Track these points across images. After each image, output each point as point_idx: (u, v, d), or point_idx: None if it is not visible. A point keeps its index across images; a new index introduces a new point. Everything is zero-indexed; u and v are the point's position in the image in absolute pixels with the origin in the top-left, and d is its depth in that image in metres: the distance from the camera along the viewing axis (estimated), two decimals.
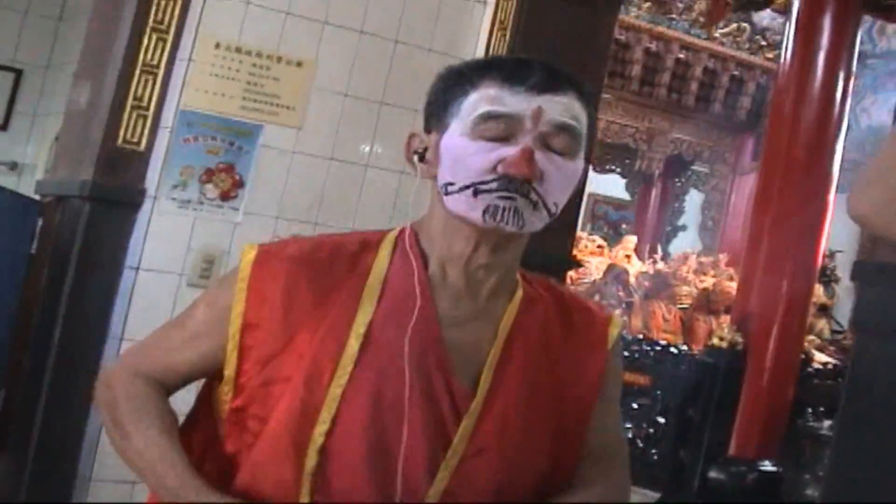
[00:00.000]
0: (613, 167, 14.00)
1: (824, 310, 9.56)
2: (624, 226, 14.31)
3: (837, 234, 8.28)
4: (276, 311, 1.66)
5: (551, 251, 4.10)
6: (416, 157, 1.74)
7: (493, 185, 1.62)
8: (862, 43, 8.23)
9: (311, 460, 1.60)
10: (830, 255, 9.97)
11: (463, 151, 1.64)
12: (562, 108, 1.66)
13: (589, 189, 13.93)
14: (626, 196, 14.75)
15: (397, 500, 1.62)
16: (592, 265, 11.08)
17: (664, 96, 12.52)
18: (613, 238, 12.95)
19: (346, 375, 1.61)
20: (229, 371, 1.69)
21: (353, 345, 1.63)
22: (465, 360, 1.68)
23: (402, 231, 1.76)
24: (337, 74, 4.26)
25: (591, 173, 13.32)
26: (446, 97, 1.71)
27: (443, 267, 1.70)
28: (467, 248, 1.68)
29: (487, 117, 1.64)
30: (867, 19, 8.82)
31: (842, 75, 7.57)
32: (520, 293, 1.76)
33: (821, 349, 9.20)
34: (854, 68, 7.74)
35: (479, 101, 1.66)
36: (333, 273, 1.69)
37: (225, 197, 4.01)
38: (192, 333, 1.76)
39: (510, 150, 1.62)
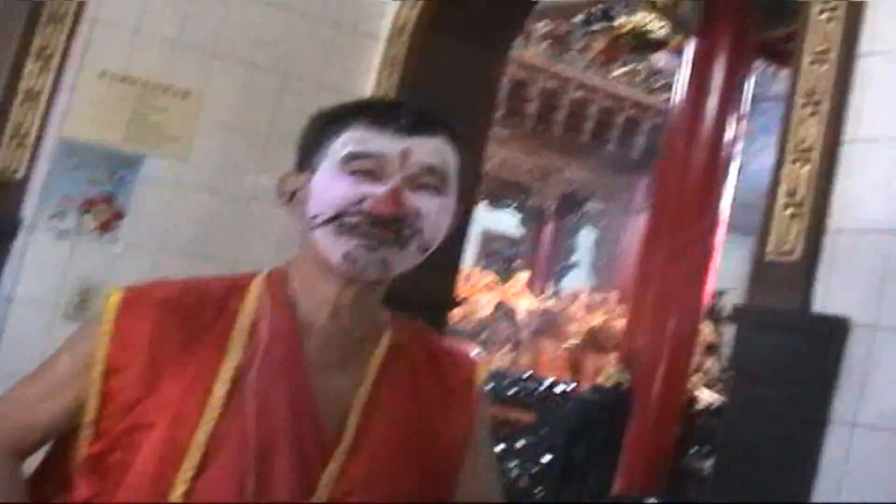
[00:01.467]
0: (508, 203, 14.07)
1: (712, 348, 9.65)
2: (518, 262, 14.38)
3: (727, 274, 8.35)
4: (142, 356, 1.62)
5: (433, 291, 4.07)
6: (286, 198, 1.73)
7: (356, 220, 1.60)
8: (756, 86, 8.35)
9: None
10: (719, 294, 10.08)
11: (330, 184, 1.63)
12: (430, 149, 1.66)
13: (483, 225, 14.00)
14: (520, 232, 14.84)
15: None
16: (483, 301, 11.10)
17: (560, 134, 12.65)
18: (507, 274, 13.00)
19: (212, 422, 1.57)
20: (89, 416, 1.62)
21: (220, 390, 1.59)
22: (332, 405, 1.65)
23: (270, 273, 1.73)
24: (225, 107, 4.21)
25: (484, 210, 13.46)
26: (317, 138, 1.71)
27: (311, 311, 1.67)
28: (333, 291, 1.66)
29: (354, 156, 1.63)
30: (761, 63, 8.95)
31: (732, 118, 7.67)
32: (387, 338, 1.74)
33: (709, 387, 9.28)
34: (746, 111, 7.85)
35: (347, 141, 1.65)
36: (201, 318, 1.65)
37: (104, 228, 3.92)
38: (53, 385, 1.67)
39: (378, 189, 1.61)
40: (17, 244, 3.80)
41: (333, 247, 1.61)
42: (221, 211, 4.17)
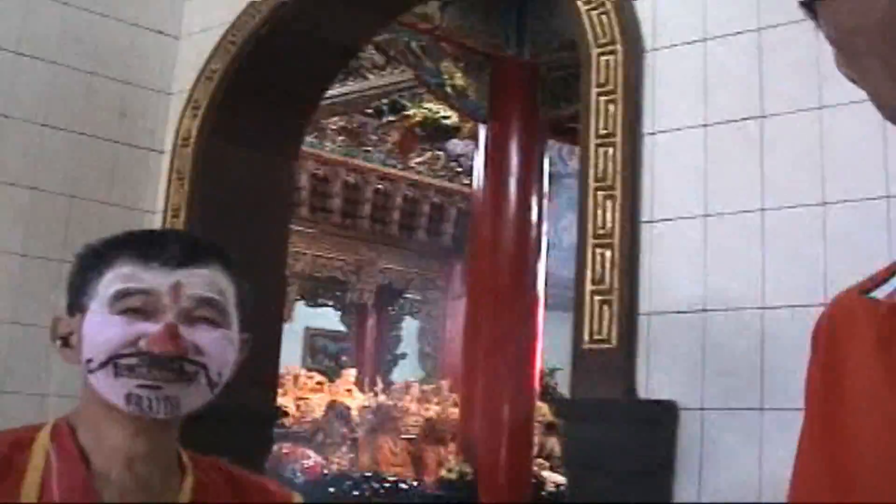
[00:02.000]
0: (325, 301, 13.98)
1: (552, 427, 9.65)
2: (345, 358, 14.27)
3: (554, 352, 8.41)
4: None
5: (255, 406, 4.00)
6: (59, 343, 1.64)
7: (133, 361, 1.52)
8: (553, 164, 8.50)
9: None
10: (550, 372, 10.13)
11: (101, 326, 1.56)
12: (203, 281, 1.58)
13: (305, 323, 13.87)
14: (342, 328, 14.75)
15: None
16: (313, 402, 10.95)
17: (367, 227, 12.66)
18: (335, 370, 12.87)
19: None
20: None
21: None
22: None
23: (56, 425, 1.62)
24: (12, 234, 4.12)
25: (304, 308, 13.34)
26: (83, 278, 1.62)
27: (103, 462, 1.57)
28: (124, 438, 1.57)
29: (123, 294, 1.56)
30: (554, 142, 9.11)
31: (535, 197, 7.76)
32: (190, 479, 1.64)
33: (553, 469, 9.28)
34: (547, 190, 7.96)
35: (113, 279, 1.57)
36: None
37: None
38: None
39: (152, 327, 1.54)
40: None
41: (113, 389, 1.53)
42: (20, 341, 4.06)
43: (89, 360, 1.55)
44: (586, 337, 3.23)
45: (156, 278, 1.56)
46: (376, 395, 11.41)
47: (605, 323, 3.19)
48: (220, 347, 1.57)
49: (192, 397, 1.55)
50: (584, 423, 3.26)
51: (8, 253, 4.10)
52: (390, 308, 14.04)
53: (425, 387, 11.45)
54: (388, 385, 12.05)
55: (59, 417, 1.63)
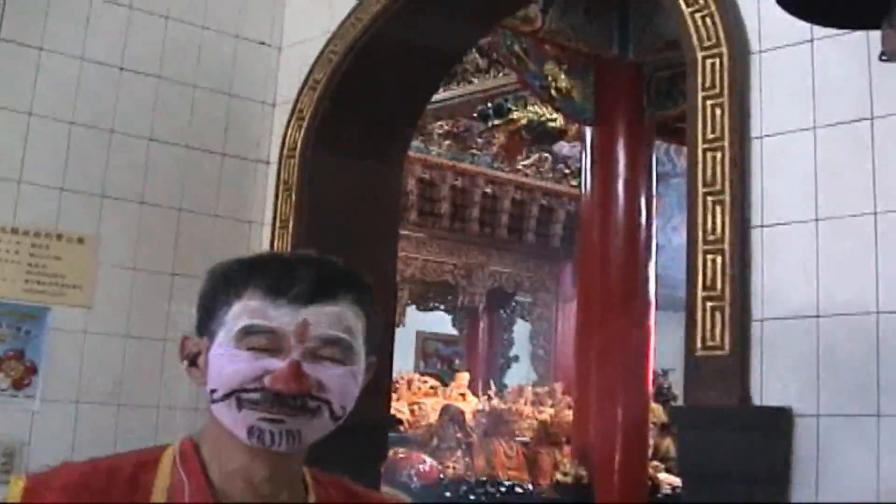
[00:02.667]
0: (437, 304, 14.03)
1: (666, 428, 9.57)
2: (457, 361, 14.29)
3: (665, 353, 8.33)
4: None
5: (370, 415, 4.01)
6: (186, 363, 1.67)
7: (257, 396, 1.54)
8: (662, 164, 8.42)
9: None
10: (663, 373, 10.06)
11: (227, 360, 1.57)
12: (330, 319, 1.58)
13: (417, 327, 13.93)
14: (454, 331, 14.78)
15: None
16: (427, 407, 10.98)
17: (477, 231, 12.66)
18: (448, 374, 12.90)
19: None
20: None
21: None
22: None
23: (181, 444, 1.66)
24: (122, 248, 4.18)
25: (415, 311, 13.41)
26: (212, 304, 1.63)
27: (226, 481, 1.60)
28: (245, 462, 1.60)
29: (250, 331, 1.57)
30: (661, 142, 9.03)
31: (643, 198, 7.70)
32: (312, 498, 1.67)
33: (669, 471, 9.20)
34: (655, 190, 7.89)
35: (241, 313, 1.58)
36: (111, 498, 1.57)
37: (18, 385, 3.84)
38: None
39: (277, 364, 1.55)
40: None
41: (236, 422, 1.55)
42: (134, 354, 4.13)
43: (213, 391, 1.58)
44: (699, 344, 3.20)
45: (283, 317, 1.57)
46: (490, 398, 11.41)
47: (718, 329, 3.16)
48: (343, 384, 1.58)
49: (315, 430, 1.57)
50: (698, 430, 3.23)
51: (119, 267, 4.16)
52: (501, 311, 14.04)
53: (538, 390, 11.42)
54: (501, 388, 12.06)
55: (183, 438, 1.66)
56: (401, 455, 9.83)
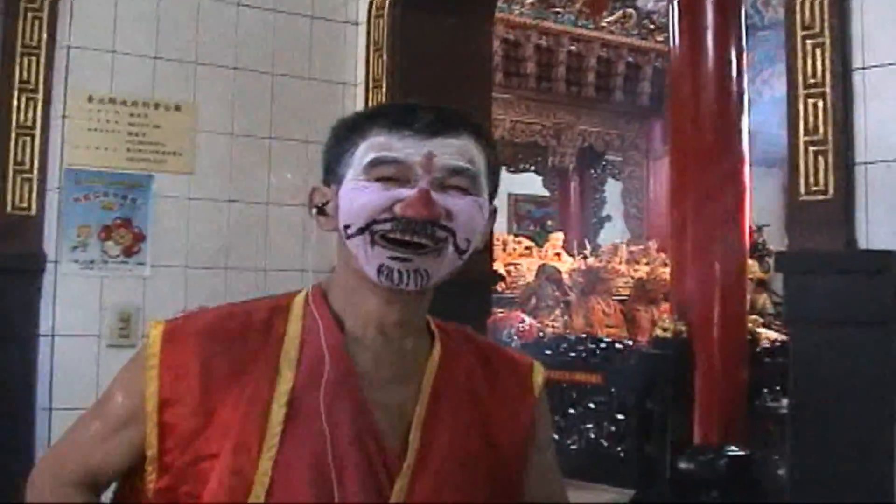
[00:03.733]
0: (527, 166, 13.99)
1: (762, 284, 9.57)
2: (549, 222, 14.30)
3: (761, 208, 8.30)
4: (193, 386, 1.59)
5: (472, 272, 4.06)
6: (315, 211, 1.71)
7: (388, 226, 1.57)
8: (749, 17, 8.25)
9: None
10: (758, 229, 10.00)
11: (358, 192, 1.61)
12: (455, 150, 1.61)
13: (509, 189, 13.95)
14: (545, 192, 14.76)
15: None
16: (523, 267, 11.05)
17: (564, 90, 12.58)
18: (541, 235, 12.94)
19: (274, 448, 1.55)
20: (152, 451, 1.61)
21: (278, 415, 1.56)
22: (392, 421, 1.62)
23: (311, 292, 1.70)
24: (219, 114, 4.21)
25: (506, 173, 13.42)
26: (338, 150, 1.67)
27: (357, 326, 1.64)
28: (378, 306, 1.63)
29: (377, 163, 1.60)
30: None
31: (733, 51, 7.58)
32: (438, 346, 1.71)
33: (766, 326, 9.22)
34: (745, 43, 7.76)
35: (367, 149, 1.62)
36: (247, 343, 1.62)
37: (128, 252, 3.92)
38: (113, 426, 1.66)
39: (406, 192, 1.58)
40: (46, 280, 3.83)
41: (367, 259, 1.58)
42: (239, 218, 4.17)
43: (347, 227, 1.61)
44: (802, 189, 3.19)
45: (408, 147, 1.60)
46: (585, 257, 11.46)
47: (821, 174, 3.15)
48: (469, 213, 1.60)
49: (441, 268, 1.60)
50: (803, 275, 3.24)
51: (217, 133, 4.20)
52: (592, 171, 14.00)
53: (633, 248, 11.45)
54: (595, 248, 12.09)
55: (313, 284, 1.71)
56: (500, 314, 9.96)
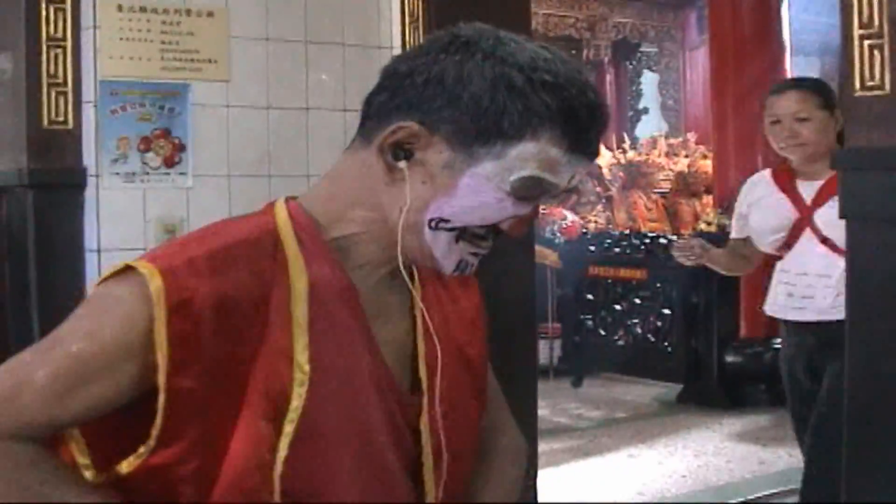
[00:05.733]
0: None
1: None
2: None
3: None
4: (207, 342, 1.42)
5: None
6: (394, 152, 1.46)
7: (483, 232, 1.48)
8: None
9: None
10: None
11: (484, 200, 1.45)
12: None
13: None
14: None
15: None
16: None
17: None
18: None
19: (298, 407, 1.45)
20: (157, 423, 1.42)
21: (303, 365, 1.45)
22: (394, 358, 1.57)
23: (293, 215, 1.53)
24: (253, 19, 4.10)
25: None
26: (493, 125, 1.42)
27: (361, 267, 1.54)
28: (393, 259, 1.53)
29: (534, 184, 1.44)
30: None
31: None
32: (418, 277, 1.63)
33: None
34: None
35: (533, 157, 1.43)
36: (252, 281, 1.46)
37: (169, 163, 3.90)
38: (80, 377, 1.42)
39: (525, 210, 1.48)
40: (89, 195, 3.78)
41: (447, 253, 1.48)
42: (278, 125, 4.13)
43: (443, 221, 1.47)
44: (857, 84, 3.14)
45: (569, 172, 1.46)
46: (624, 151, 11.40)
47: (877, 69, 3.09)
48: None
49: None
50: (860, 172, 3.20)
51: (252, 39, 4.10)
52: (627, 63, 13.84)
53: (672, 141, 11.38)
54: (633, 141, 12.02)
55: (288, 202, 1.56)
56: (543, 212, 9.95)
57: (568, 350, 9.15)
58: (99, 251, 3.79)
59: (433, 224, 1.47)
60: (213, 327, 1.41)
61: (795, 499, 5.67)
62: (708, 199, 9.13)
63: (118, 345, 1.41)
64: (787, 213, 4.07)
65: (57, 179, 3.74)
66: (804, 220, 4.03)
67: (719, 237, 7.98)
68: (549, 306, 9.10)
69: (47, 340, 1.46)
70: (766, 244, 4.18)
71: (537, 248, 8.30)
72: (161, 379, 1.40)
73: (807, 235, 4.03)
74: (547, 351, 9.16)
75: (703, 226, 8.36)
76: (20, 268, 3.73)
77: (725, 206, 8.06)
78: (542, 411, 7.55)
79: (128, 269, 1.44)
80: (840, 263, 3.48)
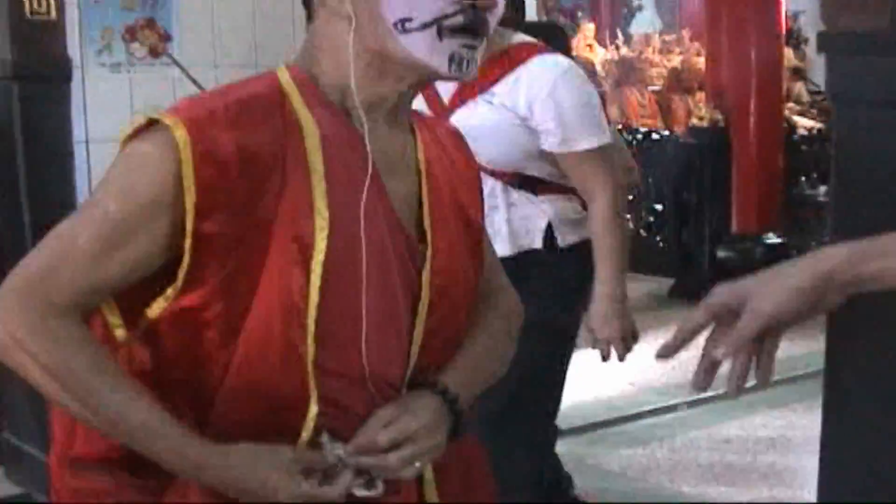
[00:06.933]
0: None
1: (798, 72, 9.45)
2: (580, 13, 14.08)
3: None
4: (232, 190, 1.46)
5: None
6: None
7: (460, 20, 1.50)
8: None
9: (310, 349, 1.50)
10: (793, 16, 9.84)
11: None
12: None
13: None
14: None
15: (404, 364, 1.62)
16: None
17: None
18: (572, 28, 12.76)
19: (322, 252, 1.49)
20: (184, 265, 1.47)
21: (323, 212, 1.50)
22: (402, 209, 1.62)
23: (295, 77, 1.59)
24: None
25: None
26: None
27: (367, 114, 1.57)
28: (398, 89, 1.58)
29: None
30: None
31: None
32: (419, 135, 1.69)
33: (802, 114, 9.15)
34: None
35: None
36: (269, 133, 1.51)
37: (155, 53, 3.88)
38: (116, 238, 1.46)
39: None
40: (75, 86, 3.80)
41: (434, 51, 1.51)
42: (266, 14, 4.08)
43: (406, 20, 1.50)
44: None
45: None
46: (618, 48, 11.32)
47: None
48: (501, 8, 1.57)
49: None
50: (846, 55, 3.20)
51: None
52: None
53: (666, 37, 11.28)
54: (627, 38, 11.93)
55: (287, 67, 1.61)
56: None
57: None
58: (87, 142, 3.79)
59: (399, 27, 1.50)
60: (237, 175, 1.46)
61: (785, 389, 5.78)
62: (701, 95, 9.08)
63: (152, 199, 1.46)
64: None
65: (42, 71, 3.73)
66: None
67: (709, 133, 8.02)
68: None
69: (83, 208, 1.53)
70: None
71: None
72: (189, 222, 1.44)
73: None
74: None
75: (695, 121, 8.34)
76: (8, 160, 3.74)
77: (718, 101, 8.06)
78: None
79: (150, 124, 1.50)
80: (488, 181, 3.02)
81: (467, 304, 1.71)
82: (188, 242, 1.45)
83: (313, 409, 1.52)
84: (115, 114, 3.82)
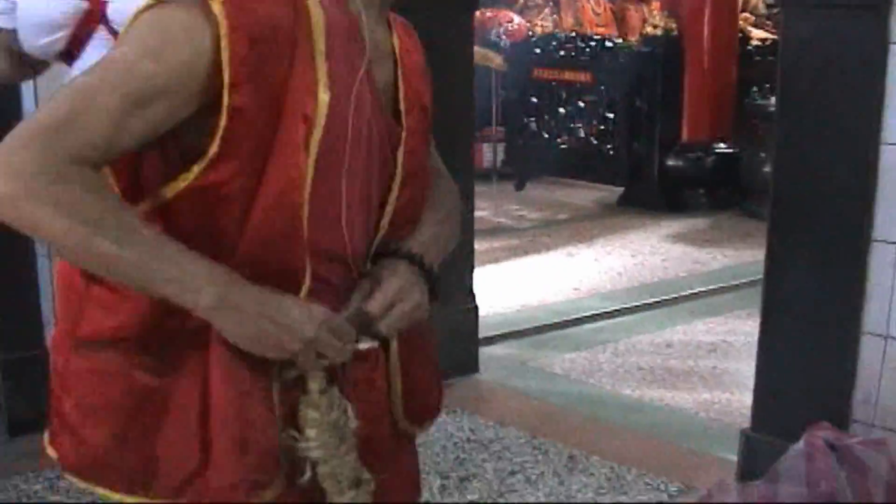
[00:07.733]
0: None
1: None
2: None
3: None
4: (260, 64, 1.47)
5: None
6: None
7: None
8: None
9: (305, 224, 1.53)
10: None
11: None
12: None
13: None
14: None
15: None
16: None
17: None
18: None
19: (320, 131, 1.51)
20: (217, 140, 1.47)
21: (323, 98, 1.52)
22: (383, 94, 1.69)
23: None
24: None
25: None
26: None
27: (362, 3, 1.62)
28: None
29: None
30: None
31: None
32: (395, 27, 1.74)
33: (757, 26, 9.15)
34: None
35: None
36: (285, 8, 1.50)
37: None
38: (139, 98, 1.44)
39: None
40: None
41: None
42: None
43: None
44: None
45: None
46: None
47: None
48: None
49: None
50: None
51: None
52: None
53: None
54: None
55: None
56: (489, 14, 9.86)
57: (511, 153, 9.19)
58: None
59: None
60: (263, 49, 1.47)
61: (728, 297, 5.86)
62: (656, 3, 9.06)
63: (184, 64, 1.45)
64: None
65: None
66: (95, 13, 2.83)
67: (663, 42, 8.01)
68: (493, 110, 9.10)
69: (105, 63, 1.49)
70: (37, 46, 2.86)
71: (482, 50, 8.26)
72: (225, 97, 1.45)
73: (100, 36, 2.85)
74: (490, 154, 9.20)
75: (649, 29, 8.33)
76: None
77: (672, 10, 8.05)
78: (484, 213, 7.65)
79: None
80: None
81: (428, 182, 1.79)
82: (224, 117, 1.46)
83: (306, 285, 1.56)
84: None
